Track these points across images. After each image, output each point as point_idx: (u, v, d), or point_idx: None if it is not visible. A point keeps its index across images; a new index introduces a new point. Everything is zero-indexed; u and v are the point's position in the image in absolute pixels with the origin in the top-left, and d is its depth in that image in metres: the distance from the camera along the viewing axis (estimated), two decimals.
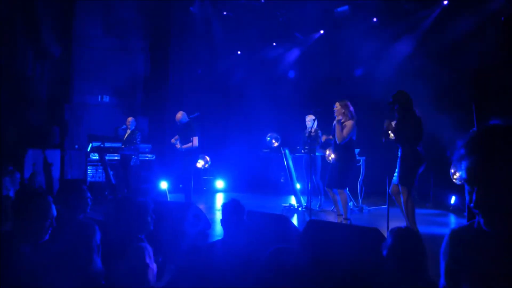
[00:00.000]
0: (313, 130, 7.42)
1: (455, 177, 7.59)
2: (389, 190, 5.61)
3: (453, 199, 7.78)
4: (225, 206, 3.36)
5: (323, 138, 7.53)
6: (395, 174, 5.53)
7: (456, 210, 7.54)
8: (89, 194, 3.33)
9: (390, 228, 2.49)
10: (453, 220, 7.09)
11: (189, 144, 7.46)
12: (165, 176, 8.55)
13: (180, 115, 7.69)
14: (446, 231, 5.38)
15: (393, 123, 5.60)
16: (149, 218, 3.09)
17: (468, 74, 7.91)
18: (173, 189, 8.82)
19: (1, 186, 4.93)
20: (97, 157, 9.03)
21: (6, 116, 10.11)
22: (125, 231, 3.07)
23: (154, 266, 3.03)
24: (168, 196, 7.93)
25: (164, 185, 8.17)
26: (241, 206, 3.35)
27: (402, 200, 5.42)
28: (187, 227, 5.18)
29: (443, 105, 7.98)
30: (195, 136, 7.47)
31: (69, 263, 2.29)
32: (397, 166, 5.50)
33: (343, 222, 6.10)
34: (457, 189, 7.54)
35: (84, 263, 2.34)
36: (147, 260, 2.95)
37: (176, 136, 7.69)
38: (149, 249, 3.05)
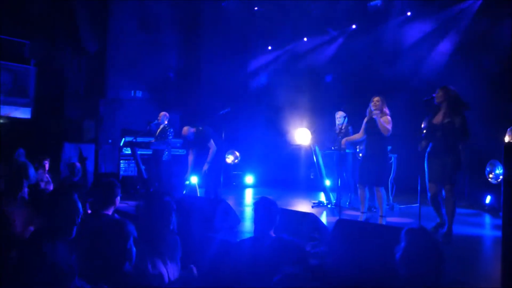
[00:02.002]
0: (343, 127, 7.34)
1: (490, 176, 7.38)
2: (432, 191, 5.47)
3: (488, 199, 7.56)
4: (256, 205, 3.33)
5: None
6: (437, 173, 5.38)
7: (492, 210, 7.32)
8: (118, 191, 3.41)
9: (404, 229, 2.30)
10: (488, 221, 6.90)
11: (209, 154, 7.37)
12: (196, 171, 8.66)
13: (186, 130, 7.56)
14: (480, 231, 5.22)
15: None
16: (172, 218, 3.11)
17: (508, 71, 7.68)
18: (203, 183, 8.92)
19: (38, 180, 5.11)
20: (130, 152, 9.22)
21: (45, 111, 10.47)
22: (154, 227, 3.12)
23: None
24: (198, 191, 8.03)
25: (194, 179, 8.27)
26: (274, 206, 3.29)
27: (449, 201, 5.34)
28: (216, 223, 5.24)
29: (479, 101, 7.75)
30: (209, 140, 7.39)
31: (101, 262, 2.35)
32: (439, 164, 5.35)
33: (378, 219, 6.06)
34: (492, 189, 7.33)
35: (118, 265, 2.40)
36: None
37: (190, 156, 7.66)
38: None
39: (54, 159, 8.76)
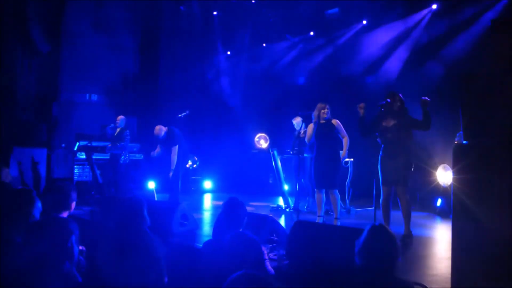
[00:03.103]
0: (302, 132, 7.44)
1: (442, 179, 7.67)
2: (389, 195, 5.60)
3: (439, 202, 7.85)
4: (227, 205, 3.26)
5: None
6: (390, 175, 5.52)
7: (442, 212, 7.60)
8: (74, 195, 3.30)
9: (368, 226, 2.44)
10: (439, 223, 7.16)
11: (173, 155, 7.48)
12: (153, 176, 8.53)
13: (158, 130, 7.59)
14: (432, 233, 5.39)
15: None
16: (145, 213, 3.08)
17: (456, 78, 8.02)
18: (161, 189, 8.78)
19: None
20: (84, 156, 8.95)
21: None
22: (124, 228, 3.02)
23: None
24: (155, 196, 7.90)
25: (151, 185, 8.14)
26: (243, 207, 3.27)
27: (403, 201, 5.48)
28: (174, 227, 5.16)
29: (433, 107, 8.04)
30: (174, 145, 7.47)
31: (44, 264, 2.26)
32: (392, 165, 5.49)
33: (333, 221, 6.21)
34: (443, 192, 7.62)
35: (57, 264, 2.31)
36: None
37: (158, 149, 7.68)
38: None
39: (3, 164, 8.36)
